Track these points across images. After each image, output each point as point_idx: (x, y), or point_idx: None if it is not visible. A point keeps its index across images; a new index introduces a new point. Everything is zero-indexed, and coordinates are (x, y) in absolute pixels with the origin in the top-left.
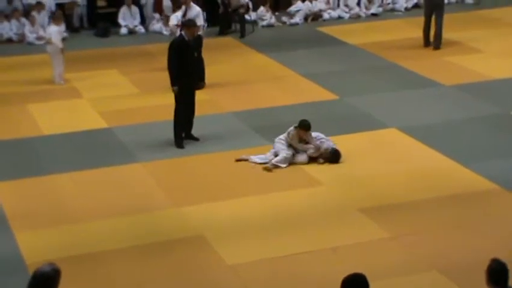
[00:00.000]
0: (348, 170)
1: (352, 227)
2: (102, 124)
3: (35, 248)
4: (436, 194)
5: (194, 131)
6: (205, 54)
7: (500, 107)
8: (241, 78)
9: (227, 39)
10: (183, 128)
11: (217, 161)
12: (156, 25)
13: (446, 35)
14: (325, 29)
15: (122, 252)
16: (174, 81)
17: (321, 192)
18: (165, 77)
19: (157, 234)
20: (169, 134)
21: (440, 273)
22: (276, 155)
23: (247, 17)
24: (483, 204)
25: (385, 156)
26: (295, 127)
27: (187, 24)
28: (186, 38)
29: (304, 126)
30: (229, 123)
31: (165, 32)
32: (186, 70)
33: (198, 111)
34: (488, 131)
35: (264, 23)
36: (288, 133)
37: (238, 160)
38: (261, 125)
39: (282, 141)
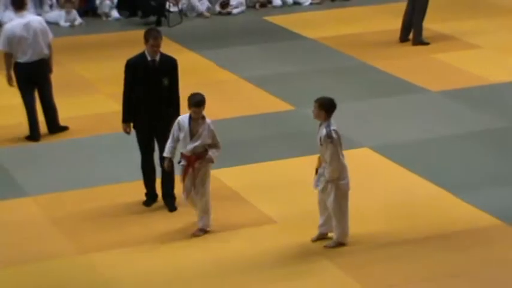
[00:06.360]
0: (300, 206)
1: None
2: None
3: None
4: (424, 234)
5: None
6: (114, 52)
7: (503, 120)
8: None
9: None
10: (152, 188)
11: (129, 192)
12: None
13: (434, 25)
14: (276, 19)
15: None
16: (125, 116)
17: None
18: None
19: None
20: (60, 155)
21: None
22: None
23: (173, 8)
24: (486, 245)
25: (354, 185)
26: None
27: (150, 34)
28: (149, 57)
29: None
30: None
31: (63, 23)
32: (148, 103)
33: (104, 128)
34: (486, 150)
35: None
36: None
37: None
38: None
39: None
